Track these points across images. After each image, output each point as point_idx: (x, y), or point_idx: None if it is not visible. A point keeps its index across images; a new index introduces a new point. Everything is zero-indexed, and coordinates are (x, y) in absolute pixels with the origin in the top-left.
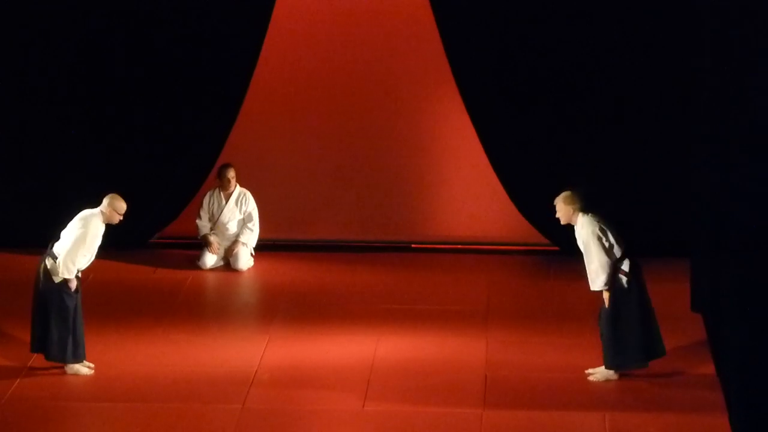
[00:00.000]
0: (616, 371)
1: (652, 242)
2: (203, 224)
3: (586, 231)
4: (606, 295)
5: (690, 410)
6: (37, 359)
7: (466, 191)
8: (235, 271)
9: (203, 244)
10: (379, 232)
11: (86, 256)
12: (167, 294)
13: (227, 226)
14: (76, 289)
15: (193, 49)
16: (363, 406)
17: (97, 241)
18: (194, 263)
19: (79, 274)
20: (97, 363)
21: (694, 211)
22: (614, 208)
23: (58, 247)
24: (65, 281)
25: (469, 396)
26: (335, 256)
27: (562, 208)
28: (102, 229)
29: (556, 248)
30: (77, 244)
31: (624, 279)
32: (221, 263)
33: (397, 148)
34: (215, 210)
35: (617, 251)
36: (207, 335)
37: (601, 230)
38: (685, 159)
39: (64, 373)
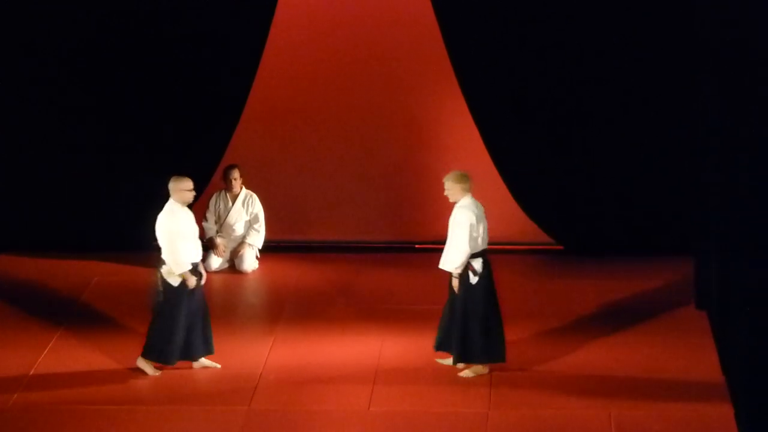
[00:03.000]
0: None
1: (656, 240)
2: (209, 226)
3: (466, 213)
4: (456, 283)
5: (695, 407)
6: (41, 365)
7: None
8: (240, 272)
9: (209, 246)
10: (383, 232)
11: (189, 245)
12: None
13: (234, 227)
14: (196, 287)
15: (195, 50)
16: (368, 407)
17: (190, 226)
18: None
19: (203, 271)
20: (102, 365)
21: (699, 209)
22: (619, 205)
23: (163, 253)
24: (184, 281)
25: (474, 396)
26: (340, 257)
27: (453, 187)
28: (185, 213)
29: (560, 247)
30: (172, 240)
31: (471, 274)
32: (226, 265)
33: (401, 148)
34: (222, 211)
35: (477, 247)
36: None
37: (477, 219)
38: (689, 157)
39: (67, 376)
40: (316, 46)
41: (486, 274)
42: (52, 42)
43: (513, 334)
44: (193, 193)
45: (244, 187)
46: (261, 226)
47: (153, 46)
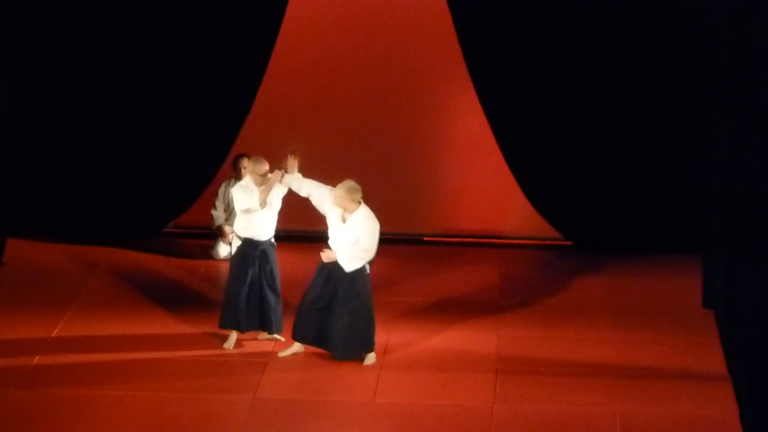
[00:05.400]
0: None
1: (664, 238)
2: (218, 214)
3: (370, 223)
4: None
5: (701, 407)
6: (48, 348)
7: (479, 184)
8: None
9: (218, 234)
10: (391, 224)
11: (269, 212)
12: (180, 283)
13: None
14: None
15: (208, 41)
16: (374, 398)
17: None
18: (207, 253)
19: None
20: (109, 351)
21: (707, 207)
22: (628, 203)
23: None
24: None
25: (479, 390)
26: None
27: (344, 197)
28: (247, 189)
29: (569, 243)
30: (239, 207)
31: (368, 266)
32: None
33: (411, 141)
34: (231, 200)
35: None
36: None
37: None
38: (698, 155)
39: (73, 360)
40: (327, 38)
41: None
42: (69, 31)
43: (519, 329)
44: (267, 172)
45: None
46: None
47: (165, 35)
